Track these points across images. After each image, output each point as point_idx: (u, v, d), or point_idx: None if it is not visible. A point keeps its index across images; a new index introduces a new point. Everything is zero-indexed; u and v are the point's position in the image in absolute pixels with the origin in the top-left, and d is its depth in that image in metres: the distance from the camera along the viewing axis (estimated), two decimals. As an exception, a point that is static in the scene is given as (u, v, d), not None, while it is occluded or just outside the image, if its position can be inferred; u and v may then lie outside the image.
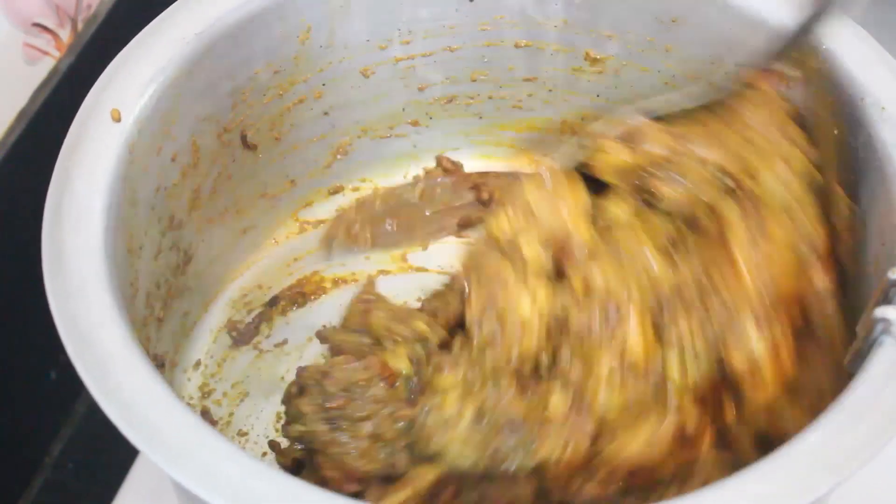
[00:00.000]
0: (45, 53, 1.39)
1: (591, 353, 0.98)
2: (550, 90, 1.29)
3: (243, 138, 1.18)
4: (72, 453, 1.23)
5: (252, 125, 1.18)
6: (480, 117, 1.34)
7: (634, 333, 0.97)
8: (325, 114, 1.25)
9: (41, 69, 1.35)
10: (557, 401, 0.97)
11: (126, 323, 0.87)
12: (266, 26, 1.12)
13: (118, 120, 0.99)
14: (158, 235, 1.07)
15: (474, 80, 1.29)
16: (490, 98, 1.31)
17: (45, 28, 1.38)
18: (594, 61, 1.24)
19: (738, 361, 0.95)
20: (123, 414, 0.80)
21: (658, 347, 0.98)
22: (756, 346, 0.94)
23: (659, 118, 1.07)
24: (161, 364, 1.09)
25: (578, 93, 1.29)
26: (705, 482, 0.96)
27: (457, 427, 0.96)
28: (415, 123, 1.32)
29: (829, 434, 0.80)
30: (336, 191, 1.34)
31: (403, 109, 1.30)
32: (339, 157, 1.31)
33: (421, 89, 1.28)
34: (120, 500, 1.16)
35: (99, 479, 1.11)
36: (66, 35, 1.40)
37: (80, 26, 1.41)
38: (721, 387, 0.97)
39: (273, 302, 1.25)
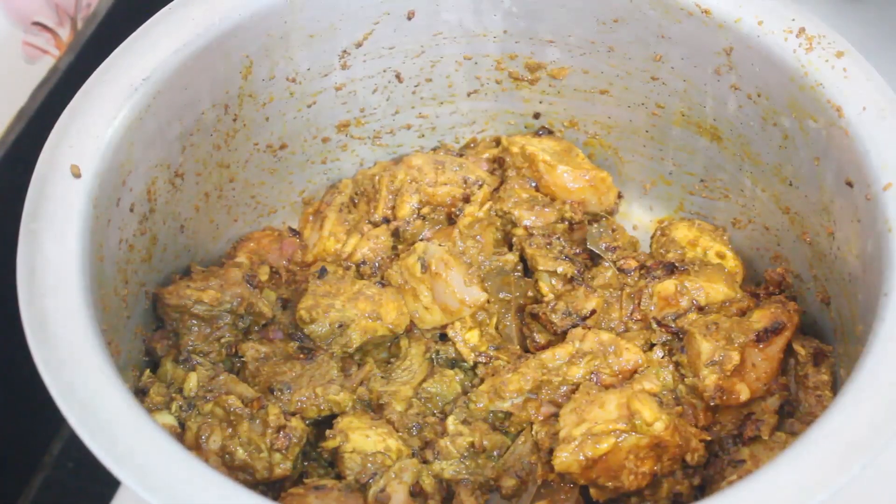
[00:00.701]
0: (45, 52, 1.35)
1: None
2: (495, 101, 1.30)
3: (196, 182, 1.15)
4: (71, 452, 1.22)
5: (203, 168, 1.15)
6: (422, 135, 1.33)
7: None
8: (270, 146, 1.23)
9: (41, 68, 1.32)
10: None
11: (123, 386, 0.84)
12: (210, 64, 1.09)
13: (79, 175, 0.95)
14: (123, 286, 1.04)
15: (415, 102, 1.29)
16: (437, 117, 1.31)
17: (45, 27, 1.33)
18: (535, 68, 1.25)
19: None
20: (142, 479, 0.78)
21: None
22: None
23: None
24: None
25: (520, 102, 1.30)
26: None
27: None
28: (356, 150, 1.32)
29: (848, 415, 0.82)
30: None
31: (347, 138, 1.29)
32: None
33: (363, 113, 1.27)
34: (119, 498, 1.15)
35: (98, 478, 1.08)
36: (65, 34, 1.36)
37: (79, 25, 1.37)
38: None
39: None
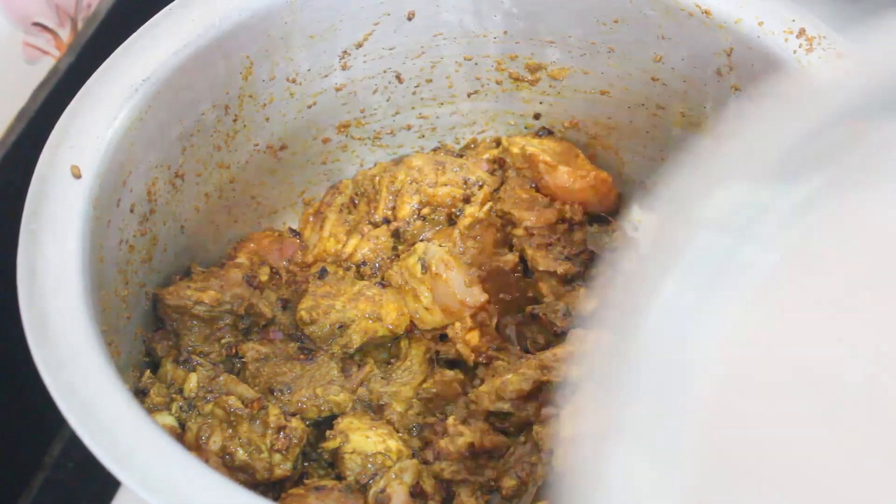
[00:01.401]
0: (45, 53, 1.34)
1: None
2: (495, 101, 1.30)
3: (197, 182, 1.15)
4: (72, 453, 1.22)
5: (203, 168, 1.15)
6: (423, 136, 1.33)
7: None
8: (270, 147, 1.23)
9: (41, 68, 1.32)
10: None
11: (124, 386, 0.84)
12: (210, 65, 1.09)
13: (79, 176, 0.95)
14: (124, 287, 1.04)
15: (415, 103, 1.29)
16: (437, 118, 1.31)
17: (45, 27, 1.32)
18: (535, 68, 1.25)
19: None
20: (142, 480, 0.78)
21: None
22: None
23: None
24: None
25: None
26: None
27: None
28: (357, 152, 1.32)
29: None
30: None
31: (347, 138, 1.29)
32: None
33: (363, 114, 1.27)
34: (119, 498, 1.16)
35: (99, 478, 1.10)
36: (65, 34, 1.35)
37: (80, 25, 1.37)
38: None
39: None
